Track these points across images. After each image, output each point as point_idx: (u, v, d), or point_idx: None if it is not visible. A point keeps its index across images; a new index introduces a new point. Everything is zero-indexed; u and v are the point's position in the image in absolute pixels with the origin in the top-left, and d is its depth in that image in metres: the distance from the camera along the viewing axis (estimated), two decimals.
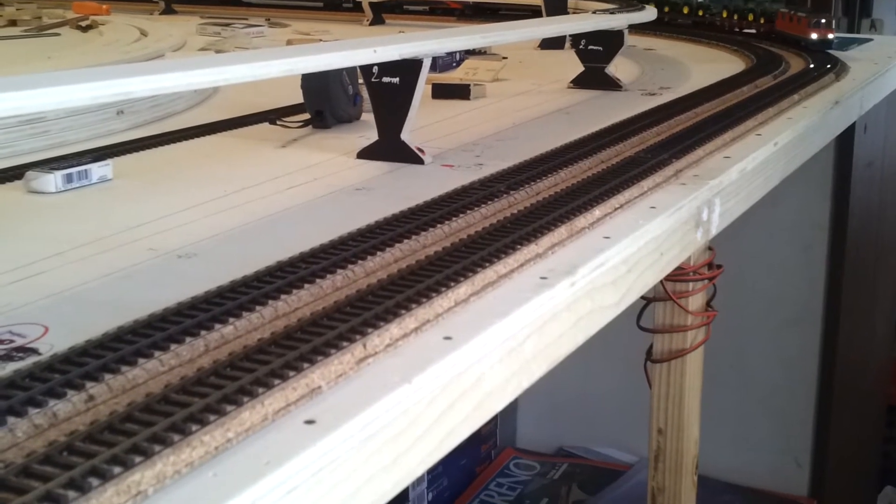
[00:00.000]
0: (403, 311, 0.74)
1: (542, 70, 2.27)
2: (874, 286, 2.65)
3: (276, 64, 1.16)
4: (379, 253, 0.88)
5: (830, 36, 2.26)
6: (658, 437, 1.46)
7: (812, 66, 2.04)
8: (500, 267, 0.85)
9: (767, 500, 2.37)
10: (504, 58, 2.28)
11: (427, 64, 1.33)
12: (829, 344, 2.29)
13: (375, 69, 1.32)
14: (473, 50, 2.27)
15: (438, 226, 0.96)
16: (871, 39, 2.83)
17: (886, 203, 2.63)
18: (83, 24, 2.61)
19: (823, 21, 2.27)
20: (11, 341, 0.74)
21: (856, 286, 2.37)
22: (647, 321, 1.42)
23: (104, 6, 2.95)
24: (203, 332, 0.71)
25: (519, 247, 0.89)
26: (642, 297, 1.31)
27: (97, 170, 1.23)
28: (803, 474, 2.37)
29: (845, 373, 2.37)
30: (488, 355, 0.76)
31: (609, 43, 1.96)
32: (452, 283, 0.80)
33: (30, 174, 1.19)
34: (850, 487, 2.67)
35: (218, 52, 2.32)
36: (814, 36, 2.24)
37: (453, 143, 1.45)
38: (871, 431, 2.87)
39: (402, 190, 1.21)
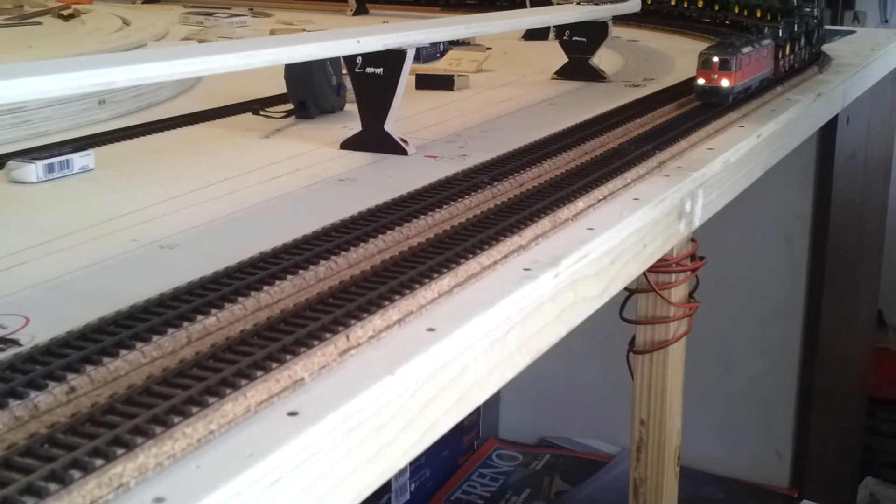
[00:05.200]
0: (387, 303, 0.74)
1: (526, 61, 2.27)
2: (856, 277, 2.66)
3: (259, 54, 1.16)
4: (362, 244, 0.88)
5: (726, 83, 1.48)
6: (640, 427, 1.46)
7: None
8: (484, 258, 0.85)
9: (749, 490, 2.38)
10: (488, 48, 2.28)
11: (411, 55, 1.33)
12: (811, 335, 2.30)
13: (359, 59, 1.32)
14: (457, 40, 2.26)
15: (422, 217, 0.96)
16: (854, 31, 2.84)
17: (868, 194, 2.64)
18: (65, 12, 2.59)
19: (717, 60, 1.48)
20: None
21: (837, 277, 2.38)
22: (629, 312, 1.43)
23: None
24: (185, 324, 0.70)
25: (502, 238, 0.89)
26: (625, 289, 1.31)
27: (79, 160, 1.22)
28: (784, 465, 2.38)
29: (827, 364, 2.38)
30: (472, 347, 0.76)
31: (593, 34, 1.96)
32: (436, 275, 0.80)
33: (11, 164, 1.18)
34: (831, 478, 2.69)
35: (201, 41, 2.31)
36: (700, 81, 1.49)
37: (437, 133, 1.45)
38: (851, 422, 2.88)
39: (386, 181, 1.20)
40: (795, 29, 1.83)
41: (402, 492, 2.33)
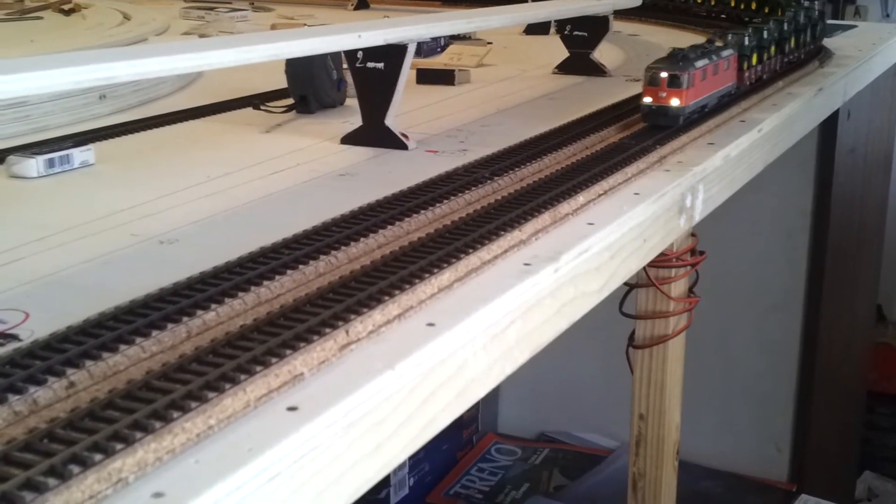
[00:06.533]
0: (386, 298, 0.74)
1: (527, 55, 2.27)
2: (856, 272, 2.66)
3: (260, 49, 1.16)
4: (362, 239, 0.88)
5: (676, 103, 1.30)
6: (639, 422, 1.46)
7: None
8: (484, 253, 0.85)
9: (748, 485, 2.38)
10: (489, 43, 2.28)
11: (412, 49, 1.33)
12: (811, 330, 2.30)
13: (360, 54, 1.32)
14: (458, 35, 2.26)
15: (422, 212, 0.96)
16: (855, 26, 2.83)
17: (868, 189, 2.64)
18: (66, 7, 2.59)
19: (666, 75, 1.30)
20: None
21: (837, 272, 2.38)
22: (629, 307, 1.42)
23: None
24: (185, 319, 0.70)
25: (503, 233, 0.89)
26: (625, 284, 1.31)
27: (79, 154, 1.22)
28: (783, 459, 2.38)
29: (826, 358, 2.38)
30: (471, 342, 0.76)
31: (594, 28, 1.96)
32: (436, 270, 0.80)
33: (11, 159, 1.18)
34: (830, 472, 2.69)
35: (201, 36, 2.31)
36: (647, 99, 1.32)
37: (437, 128, 1.45)
38: (851, 417, 2.88)
39: (386, 176, 1.20)
40: (765, 36, 1.64)
41: (401, 486, 2.33)
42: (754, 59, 1.59)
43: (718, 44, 1.47)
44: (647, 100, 1.31)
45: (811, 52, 1.96)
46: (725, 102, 1.47)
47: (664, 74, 1.30)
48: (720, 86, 1.44)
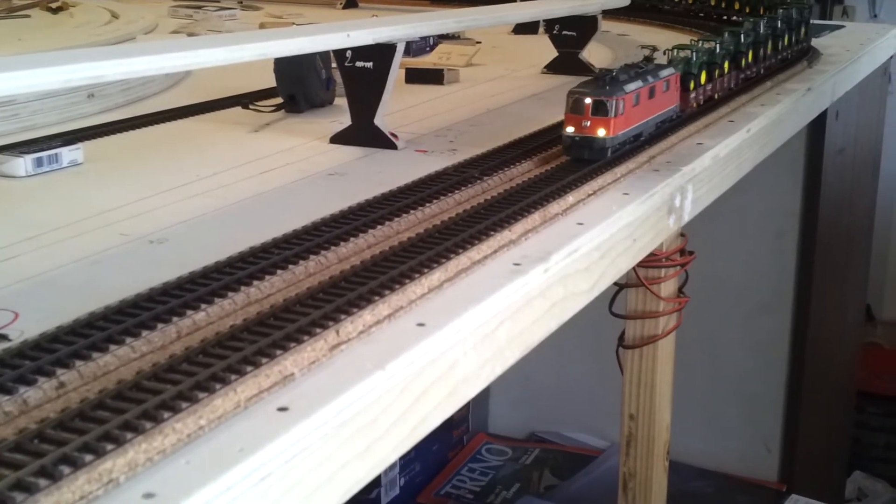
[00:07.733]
0: (376, 298, 0.74)
1: (516, 55, 2.27)
2: (845, 272, 2.66)
3: (249, 48, 1.16)
4: (352, 239, 0.88)
5: (602, 133, 1.12)
6: (629, 422, 1.46)
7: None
8: (474, 253, 0.85)
9: (737, 485, 2.38)
10: (478, 42, 2.27)
11: (401, 49, 1.33)
12: (800, 330, 2.30)
13: (349, 53, 1.32)
14: (447, 34, 2.26)
15: (412, 211, 0.96)
16: (843, 26, 2.84)
17: (857, 189, 2.65)
18: (53, 5, 2.58)
19: (590, 101, 1.12)
20: None
21: (826, 272, 2.38)
22: (619, 307, 1.43)
23: None
24: (175, 319, 0.70)
25: (492, 233, 0.89)
26: (615, 284, 1.31)
27: (68, 153, 1.22)
28: (773, 459, 2.39)
29: (816, 358, 2.38)
30: (462, 342, 0.76)
31: (583, 28, 1.96)
32: (426, 270, 0.80)
33: None
34: (820, 472, 2.70)
35: (190, 35, 2.31)
36: (569, 129, 1.13)
37: (427, 128, 1.45)
38: (840, 417, 2.89)
39: (376, 175, 1.20)
40: (717, 49, 1.48)
41: (392, 486, 2.33)
42: (703, 78, 1.43)
43: (659, 62, 1.33)
44: (569, 129, 1.13)
45: (774, 67, 1.77)
46: (666, 129, 1.30)
47: (588, 100, 1.13)
48: (659, 110, 1.27)
